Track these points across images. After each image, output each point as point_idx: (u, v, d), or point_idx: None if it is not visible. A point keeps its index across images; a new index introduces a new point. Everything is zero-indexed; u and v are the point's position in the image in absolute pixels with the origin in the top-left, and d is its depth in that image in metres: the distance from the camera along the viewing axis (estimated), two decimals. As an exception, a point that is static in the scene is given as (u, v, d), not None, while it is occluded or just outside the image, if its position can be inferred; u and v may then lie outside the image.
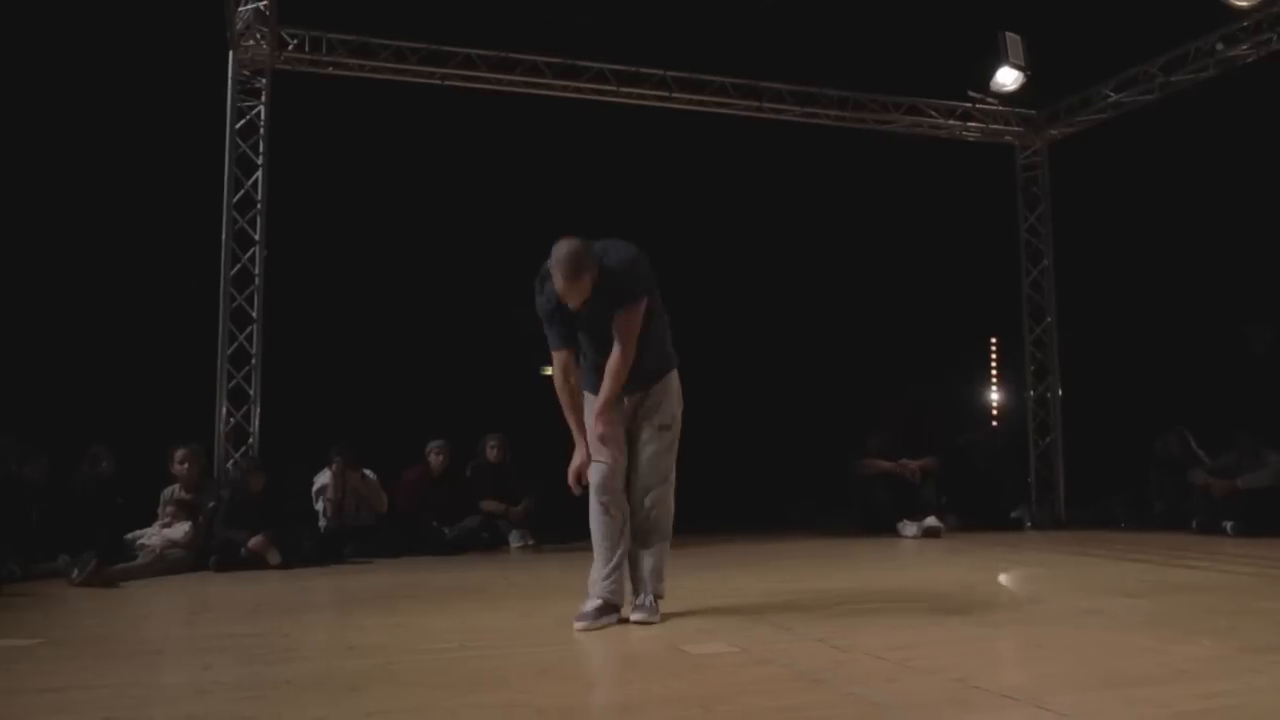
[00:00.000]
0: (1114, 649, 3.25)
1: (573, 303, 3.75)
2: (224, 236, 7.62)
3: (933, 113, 9.50)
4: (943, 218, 10.37)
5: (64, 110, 8.08)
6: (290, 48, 7.93)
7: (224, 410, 7.51)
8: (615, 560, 3.87)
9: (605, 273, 3.78)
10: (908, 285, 10.71)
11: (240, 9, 7.46)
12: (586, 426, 3.90)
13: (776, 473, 9.94)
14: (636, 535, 3.97)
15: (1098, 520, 8.89)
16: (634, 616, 3.85)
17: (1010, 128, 9.78)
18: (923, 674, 2.87)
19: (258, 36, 7.71)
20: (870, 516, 8.44)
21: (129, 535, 6.34)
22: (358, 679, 2.93)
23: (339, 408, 8.49)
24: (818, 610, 4.13)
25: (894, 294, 10.73)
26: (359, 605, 4.73)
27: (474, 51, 8.21)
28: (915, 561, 6.57)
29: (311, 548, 6.65)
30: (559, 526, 8.21)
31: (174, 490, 6.69)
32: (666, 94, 8.67)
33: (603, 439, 3.80)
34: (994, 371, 11.82)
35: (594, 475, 3.88)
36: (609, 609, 3.83)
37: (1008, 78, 8.66)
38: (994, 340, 11.76)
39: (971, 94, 9.28)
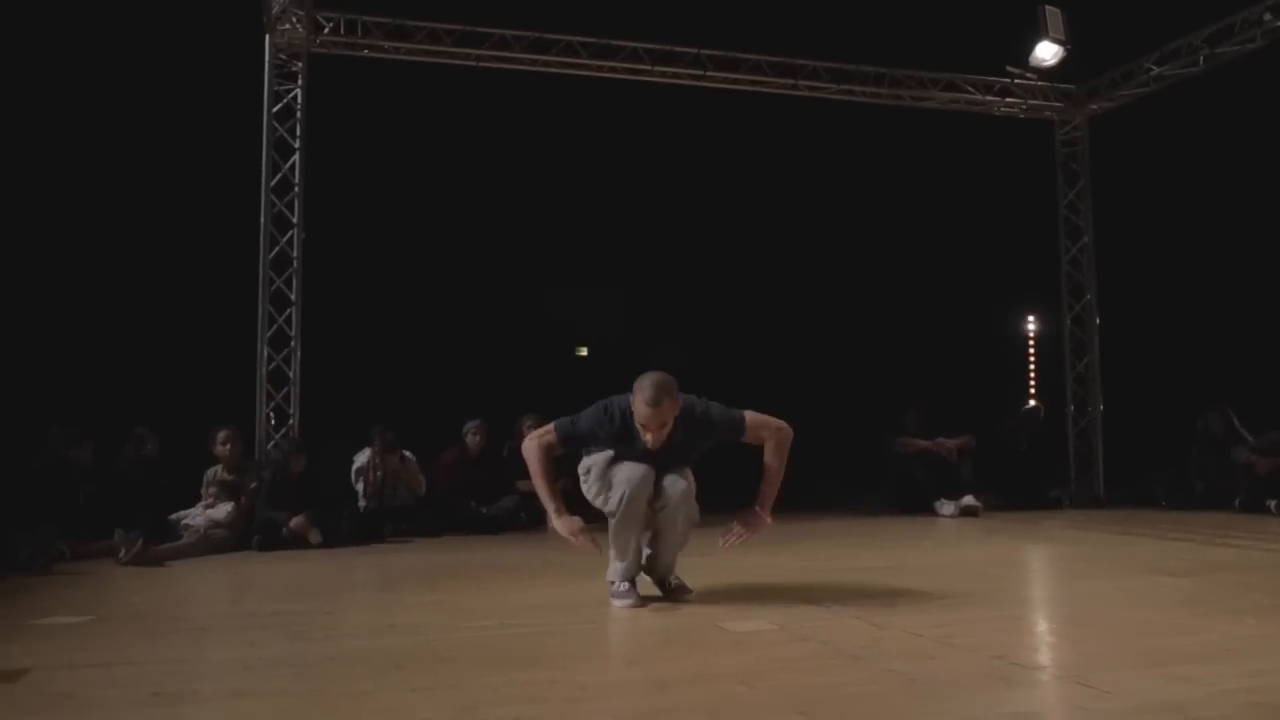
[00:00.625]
0: (1156, 627, 3.22)
1: (651, 431, 3.67)
2: (262, 220, 7.70)
3: (970, 89, 9.38)
4: (981, 195, 10.26)
5: (106, 96, 8.19)
6: (326, 31, 7.96)
7: (264, 392, 7.61)
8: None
9: (694, 418, 3.78)
10: (946, 263, 10.62)
11: (276, -7, 7.51)
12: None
13: (813, 452, 9.91)
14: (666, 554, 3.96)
15: (1138, 499, 8.80)
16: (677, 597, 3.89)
17: (1049, 103, 9.64)
18: (962, 651, 2.87)
19: (294, 20, 7.76)
20: (907, 496, 8.41)
21: (173, 516, 6.44)
22: (400, 656, 2.97)
23: (377, 389, 8.58)
24: (856, 588, 4.12)
25: (932, 271, 10.65)
26: (399, 584, 4.78)
27: (508, 32, 8.20)
28: (953, 540, 6.55)
29: (351, 528, 6.72)
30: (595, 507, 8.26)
31: (217, 471, 6.78)
32: (701, 73, 8.61)
33: None
34: (1032, 349, 11.70)
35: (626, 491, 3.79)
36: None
37: (1047, 52, 8.53)
38: (1033, 317, 11.64)
39: (1010, 69, 9.14)
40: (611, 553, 3.89)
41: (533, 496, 7.72)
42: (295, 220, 7.79)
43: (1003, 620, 3.45)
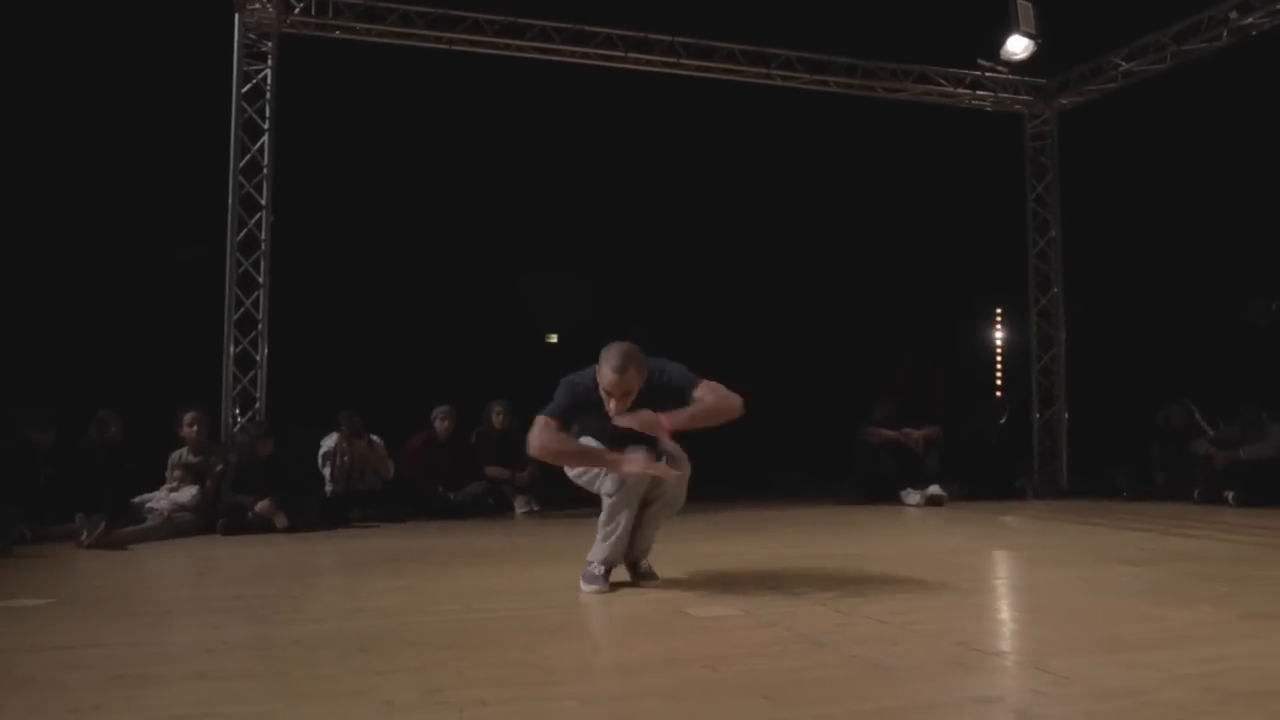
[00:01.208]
0: (1115, 615, 3.27)
1: (616, 398, 3.65)
2: (230, 201, 7.62)
3: (942, 81, 9.43)
4: (951, 187, 10.34)
5: (72, 75, 8.06)
6: (296, 11, 7.88)
7: (230, 375, 7.55)
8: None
9: (660, 387, 3.74)
10: (915, 254, 10.69)
11: (246, -28, 7.43)
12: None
13: (781, 441, 9.98)
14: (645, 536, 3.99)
15: (1100, 490, 8.92)
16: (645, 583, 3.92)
17: (1020, 96, 9.71)
18: (924, 637, 2.90)
19: (264, 0, 7.67)
20: (874, 485, 8.47)
21: (137, 499, 6.40)
22: (366, 639, 2.96)
23: (345, 373, 8.53)
24: (821, 576, 4.16)
25: (900, 263, 10.72)
26: (366, 568, 4.77)
27: (481, 16, 8.16)
28: (918, 529, 6.61)
29: (318, 512, 6.70)
30: (563, 493, 8.26)
31: (182, 454, 6.73)
32: (675, 60, 8.61)
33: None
34: (999, 341, 11.82)
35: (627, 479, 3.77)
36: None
37: (1018, 46, 8.60)
38: (999, 310, 11.75)
39: (981, 62, 9.21)
40: (599, 534, 3.87)
41: (500, 483, 7.81)
42: (264, 202, 7.73)
43: (965, 607, 3.49)
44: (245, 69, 7.76)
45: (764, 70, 8.88)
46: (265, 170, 7.75)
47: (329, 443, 7.40)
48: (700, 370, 3.90)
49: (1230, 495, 7.61)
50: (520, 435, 8.05)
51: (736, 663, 2.62)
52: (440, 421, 7.86)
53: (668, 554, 4.71)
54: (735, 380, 3.87)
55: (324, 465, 7.35)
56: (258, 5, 7.70)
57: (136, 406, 7.02)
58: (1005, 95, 9.65)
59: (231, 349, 7.57)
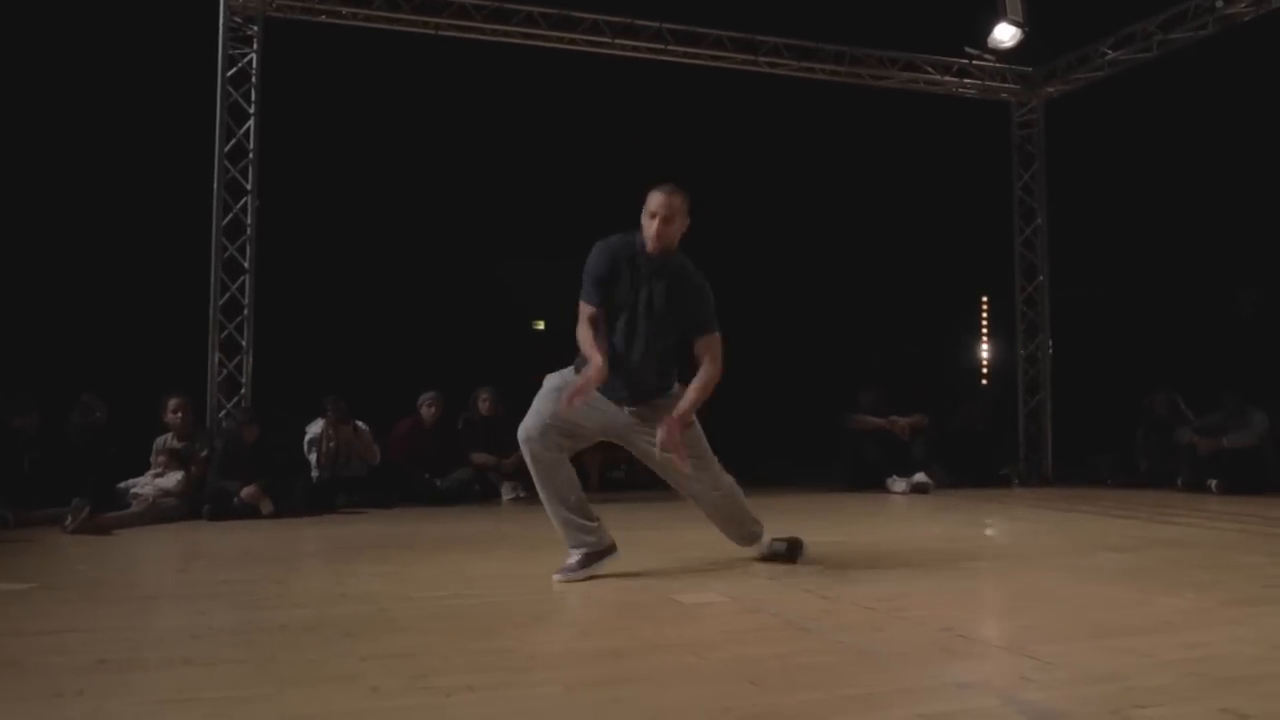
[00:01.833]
0: (1099, 601, 3.29)
1: (659, 218, 3.68)
2: (216, 186, 7.57)
3: (929, 69, 9.42)
4: (937, 175, 10.35)
5: (56, 58, 7.99)
6: (282, -6, 7.82)
7: (216, 360, 7.51)
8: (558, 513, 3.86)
9: (691, 274, 3.83)
10: (901, 242, 10.71)
11: (230, -46, 7.36)
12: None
13: (767, 428, 10.00)
14: (727, 521, 4.08)
15: (1084, 478, 8.97)
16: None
17: (1006, 85, 9.71)
18: (910, 623, 2.92)
19: (249, -18, 7.61)
20: (860, 472, 8.50)
21: (121, 484, 6.37)
22: (351, 625, 2.96)
23: (331, 358, 8.50)
24: (807, 563, 4.17)
25: (887, 250, 10.74)
26: (351, 554, 4.76)
27: (468, 1, 8.10)
28: (904, 516, 6.63)
29: (304, 498, 6.67)
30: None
31: (167, 439, 6.70)
32: (662, 47, 8.58)
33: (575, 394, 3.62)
34: (985, 329, 11.86)
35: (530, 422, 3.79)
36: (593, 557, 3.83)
37: (1005, 34, 8.60)
38: (985, 298, 11.79)
39: (968, 50, 9.20)
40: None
41: (487, 469, 7.80)
42: (249, 187, 7.67)
43: (950, 594, 3.51)
44: (230, 53, 7.70)
45: (751, 57, 8.85)
46: (251, 155, 7.69)
47: (315, 429, 7.37)
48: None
49: (1213, 483, 7.67)
50: (507, 421, 8.09)
51: (722, 649, 2.63)
52: (427, 408, 7.84)
53: (653, 541, 4.73)
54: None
55: (310, 451, 7.33)
56: (243, -12, 7.64)
57: (121, 391, 6.98)
58: (992, 83, 9.65)
59: (217, 334, 7.53)
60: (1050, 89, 9.66)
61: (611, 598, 3.48)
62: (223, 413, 7.41)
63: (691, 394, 3.74)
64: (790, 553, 4.09)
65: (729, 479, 4.03)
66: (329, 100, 8.76)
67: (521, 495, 7.64)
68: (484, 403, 8.05)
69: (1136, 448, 8.72)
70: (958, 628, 2.83)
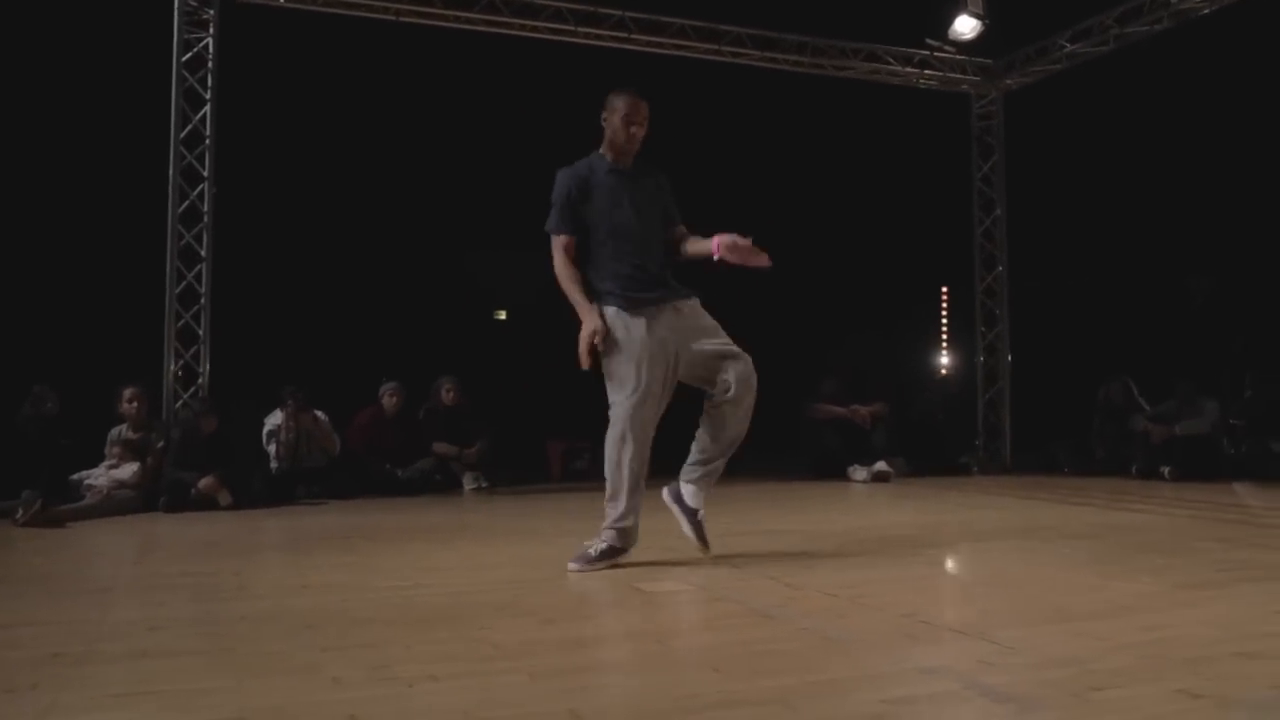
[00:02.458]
0: (1058, 586, 3.33)
1: (637, 142, 3.84)
2: (171, 173, 7.44)
3: (890, 60, 9.47)
4: (898, 165, 10.40)
5: (3, 40, 7.80)
6: (239, -22, 7.70)
7: (172, 350, 7.40)
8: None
9: (655, 169, 4.01)
10: (861, 232, 10.76)
11: (185, -64, 7.23)
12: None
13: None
14: (724, 427, 3.93)
15: (1042, 465, 9.09)
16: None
17: (967, 76, 9.79)
18: (872, 610, 2.93)
19: (204, -35, 7.49)
20: (821, 461, 8.55)
21: (75, 476, 6.26)
22: (312, 616, 2.93)
23: (290, 348, 8.41)
24: (770, 551, 4.19)
25: (847, 240, 10.79)
26: (312, 545, 4.72)
27: (428, -14, 8.02)
28: (865, 505, 6.68)
29: (262, 489, 6.61)
30: (512, 469, 8.24)
31: (121, 430, 6.60)
32: (625, 35, 8.55)
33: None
34: (945, 319, 11.96)
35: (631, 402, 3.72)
36: (613, 552, 3.76)
37: (966, 26, 8.66)
38: (945, 288, 11.88)
39: (929, 42, 9.26)
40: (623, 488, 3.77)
41: (448, 459, 7.76)
42: (206, 174, 7.56)
43: (912, 580, 3.54)
44: (186, 36, 7.56)
45: (714, 47, 8.85)
46: (208, 141, 7.57)
47: (274, 420, 7.29)
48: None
49: (1167, 470, 7.80)
50: (469, 411, 8.07)
51: (687, 636, 2.64)
52: (388, 398, 7.78)
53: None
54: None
55: (269, 443, 7.25)
56: (198, -29, 7.51)
57: (74, 382, 6.86)
58: (953, 75, 9.72)
59: (174, 324, 7.42)
60: (1009, 81, 9.74)
61: (575, 587, 3.48)
62: (179, 403, 7.30)
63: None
64: (698, 532, 3.91)
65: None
66: (288, 86, 8.64)
67: (484, 486, 7.62)
68: (446, 392, 8.00)
69: (1093, 436, 8.85)
70: (919, 614, 2.85)
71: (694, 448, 3.90)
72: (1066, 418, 9.34)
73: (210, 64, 7.62)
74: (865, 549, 4.28)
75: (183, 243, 7.47)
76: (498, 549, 4.29)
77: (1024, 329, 9.95)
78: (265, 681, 2.24)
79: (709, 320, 3.93)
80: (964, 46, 9.07)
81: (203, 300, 7.50)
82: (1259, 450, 8.02)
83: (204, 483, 6.23)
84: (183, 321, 7.45)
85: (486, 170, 9.39)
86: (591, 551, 3.73)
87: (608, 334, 3.69)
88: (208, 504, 6.21)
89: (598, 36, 8.51)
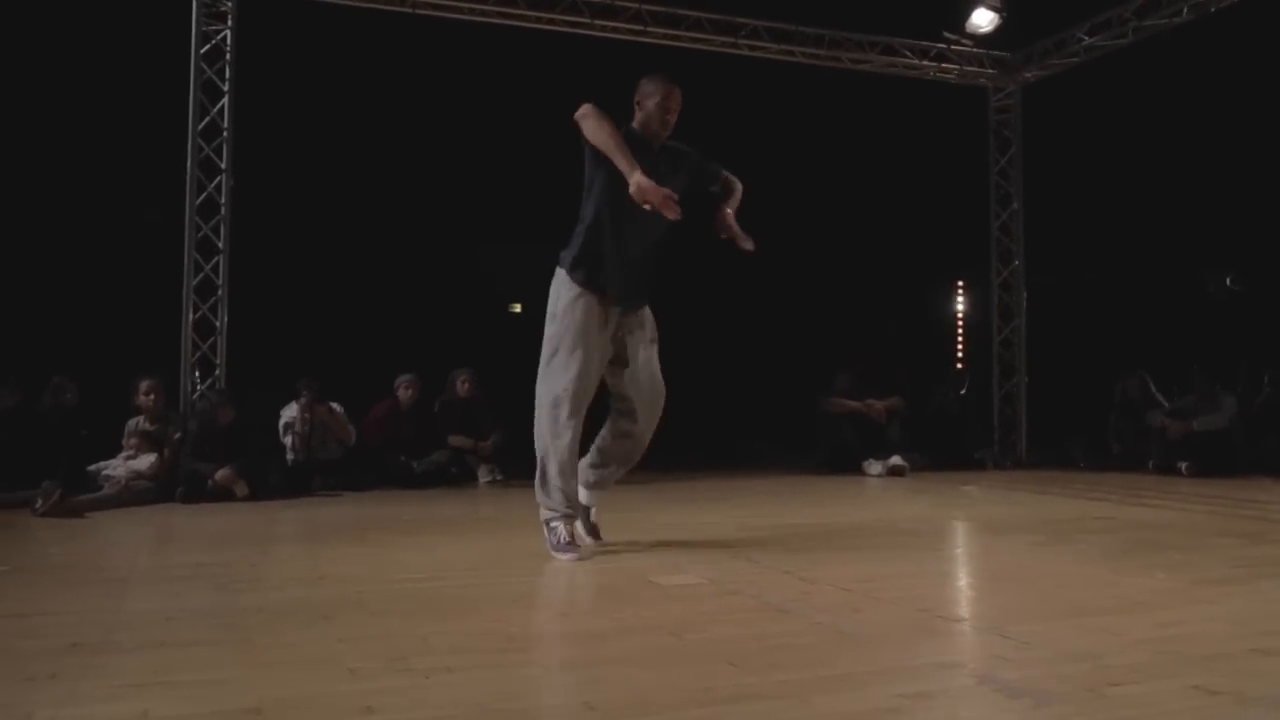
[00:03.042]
0: (1073, 582, 3.32)
1: (670, 127, 3.98)
2: (189, 165, 7.47)
3: (907, 53, 9.43)
4: (915, 159, 10.36)
5: (23, 34, 7.85)
6: (256, -30, 7.71)
7: (190, 341, 7.44)
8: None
9: (680, 146, 4.11)
10: (878, 225, 10.73)
11: (203, -71, 7.25)
12: None
13: (744, 411, 10.02)
14: (627, 458, 4.01)
15: (1058, 461, 9.05)
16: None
17: (984, 70, 9.73)
18: (887, 604, 2.93)
19: (222, -42, 7.51)
20: (836, 455, 8.53)
21: (93, 466, 6.29)
22: (329, 607, 2.94)
23: (307, 340, 8.43)
24: (785, 545, 4.18)
25: (863, 234, 10.75)
26: (328, 536, 4.74)
27: (445, -21, 8.02)
28: (880, 499, 6.67)
29: (278, 480, 6.63)
30: (527, 462, 8.24)
31: (139, 421, 6.63)
32: (641, 28, 8.53)
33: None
34: (961, 313, 11.92)
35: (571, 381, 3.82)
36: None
37: (983, 19, 8.61)
38: (961, 282, 11.84)
39: (947, 35, 9.21)
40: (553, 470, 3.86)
41: (463, 452, 7.77)
42: (224, 166, 7.59)
43: (927, 575, 3.54)
44: (204, 29, 7.59)
45: (731, 39, 8.83)
46: (225, 133, 7.60)
47: (290, 412, 7.31)
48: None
49: (1184, 466, 7.75)
50: (484, 404, 8.08)
51: (702, 630, 2.64)
52: (404, 390, 7.80)
53: (632, 523, 4.73)
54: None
55: (285, 435, 7.28)
56: (216, -36, 7.53)
57: (92, 373, 6.90)
58: (970, 68, 9.67)
59: (191, 315, 7.45)
60: (1027, 74, 9.68)
61: (589, 580, 3.49)
62: (196, 394, 7.34)
63: (735, 184, 4.06)
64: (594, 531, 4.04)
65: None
66: (305, 78, 8.66)
67: (499, 478, 7.63)
68: (461, 385, 8.01)
69: (1109, 431, 8.80)
70: (934, 608, 2.84)
71: (594, 456, 4.03)
72: (1082, 413, 9.30)
73: (228, 56, 7.64)
74: (880, 543, 4.28)
75: (200, 234, 7.50)
76: (513, 541, 4.30)
77: (1040, 323, 9.90)
78: (281, 672, 2.26)
79: (655, 333, 4.02)
80: (981, 39, 9.02)
81: (220, 292, 7.53)
82: (1277, 446, 7.96)
83: (220, 474, 6.26)
84: (200, 313, 7.49)
85: (502, 163, 9.39)
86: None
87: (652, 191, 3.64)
88: (224, 495, 6.23)
89: (614, 29, 8.50)
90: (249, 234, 7.74)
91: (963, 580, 3.65)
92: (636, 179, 3.58)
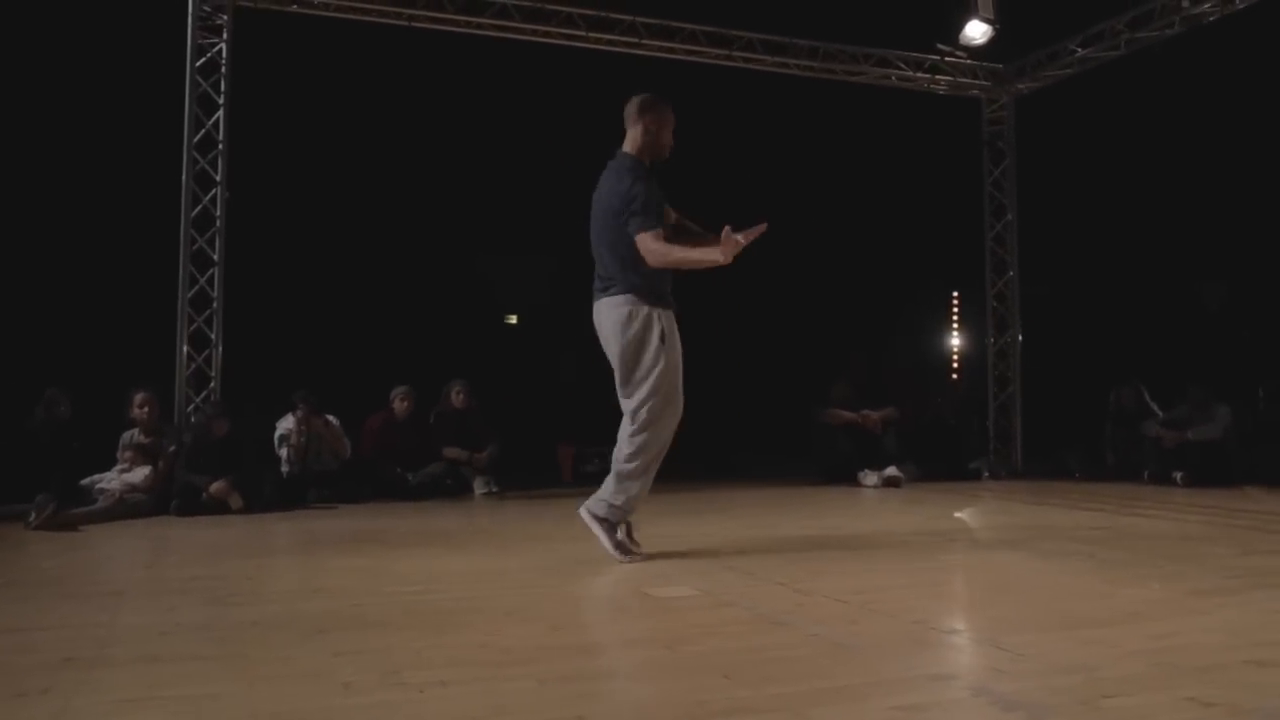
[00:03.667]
0: (1068, 592, 3.33)
1: (670, 147, 4.14)
2: (185, 177, 7.48)
3: (901, 65, 9.47)
4: (909, 170, 10.39)
5: (17, 46, 7.85)
6: (251, -16, 7.73)
7: (184, 354, 7.43)
8: None
9: None
10: (872, 237, 10.75)
11: (199, -58, 7.27)
12: None
13: (739, 422, 10.02)
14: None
15: (1053, 471, 9.05)
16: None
17: (977, 81, 9.78)
18: (883, 616, 2.93)
19: (218, -29, 7.53)
20: (832, 466, 8.53)
21: (87, 479, 6.28)
22: (324, 620, 2.93)
23: (302, 352, 8.43)
24: (780, 556, 4.18)
25: (858, 245, 10.77)
26: (323, 549, 4.73)
27: (440, -8, 8.06)
28: (876, 510, 6.66)
29: (274, 492, 6.62)
30: (522, 474, 8.25)
31: (133, 434, 6.62)
32: (636, 41, 8.57)
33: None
34: (955, 324, 11.94)
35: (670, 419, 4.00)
36: None
37: (977, 31, 8.65)
38: (956, 293, 11.86)
39: (940, 47, 9.26)
40: (624, 476, 3.98)
41: (459, 463, 7.76)
42: (219, 178, 7.60)
43: (922, 586, 3.53)
44: (200, 42, 7.61)
45: (725, 52, 8.87)
46: (220, 145, 7.61)
47: (285, 424, 7.31)
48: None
49: (1179, 476, 7.76)
50: (479, 415, 8.08)
51: (696, 642, 2.63)
52: (399, 402, 7.80)
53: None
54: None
55: (280, 447, 7.26)
56: (211, -23, 7.55)
57: (86, 386, 6.89)
58: (963, 80, 9.72)
59: (186, 328, 7.45)
60: (1021, 86, 9.73)
61: (583, 592, 3.48)
62: (191, 407, 7.33)
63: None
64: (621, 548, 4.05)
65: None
66: (301, 91, 8.68)
67: (494, 490, 7.63)
68: (457, 396, 8.02)
69: (1104, 441, 8.82)
70: (930, 620, 2.84)
71: None
72: (1078, 423, 9.31)
73: (223, 69, 7.66)
74: (875, 555, 4.27)
75: (195, 247, 7.51)
76: (508, 553, 4.29)
77: (1035, 334, 9.92)
78: (276, 686, 2.25)
79: None
80: (975, 51, 9.06)
81: (215, 304, 7.53)
82: (1272, 456, 7.97)
83: (215, 487, 6.25)
84: (195, 325, 7.49)
85: (497, 175, 9.42)
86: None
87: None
88: (219, 508, 6.23)
89: (609, 42, 8.53)
90: (244, 247, 7.74)
91: (958, 591, 3.65)
92: (722, 257, 3.86)
